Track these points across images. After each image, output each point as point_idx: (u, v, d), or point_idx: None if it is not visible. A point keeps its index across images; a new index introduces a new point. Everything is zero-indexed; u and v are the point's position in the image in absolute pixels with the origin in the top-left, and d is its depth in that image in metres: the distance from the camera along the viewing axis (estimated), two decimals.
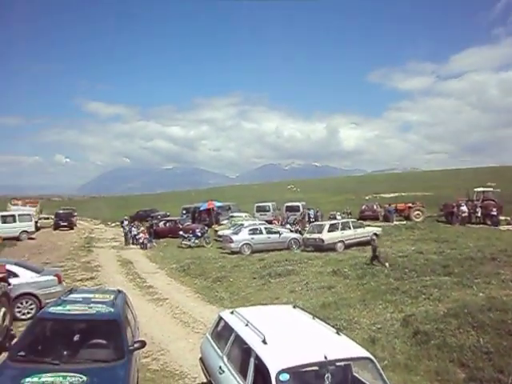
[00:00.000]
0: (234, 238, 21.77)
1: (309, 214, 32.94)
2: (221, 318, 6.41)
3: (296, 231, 25.72)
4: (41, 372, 4.95)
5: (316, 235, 21.00)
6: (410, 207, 32.77)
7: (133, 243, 27.97)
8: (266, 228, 22.94)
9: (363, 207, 36.02)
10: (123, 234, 29.82)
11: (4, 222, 29.02)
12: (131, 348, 5.74)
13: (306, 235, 22.16)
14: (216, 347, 6.00)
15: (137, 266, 19.78)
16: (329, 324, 5.62)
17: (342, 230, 21.02)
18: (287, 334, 5.23)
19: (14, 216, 30.46)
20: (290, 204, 36.74)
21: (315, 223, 25.11)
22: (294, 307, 6.41)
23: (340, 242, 20.50)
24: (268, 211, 35.77)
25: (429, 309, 9.72)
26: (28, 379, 4.82)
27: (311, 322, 5.63)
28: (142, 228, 29.95)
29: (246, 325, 5.44)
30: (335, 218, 28.76)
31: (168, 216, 39.05)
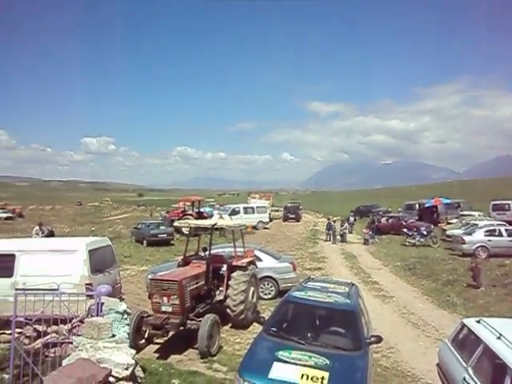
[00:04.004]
0: (467, 238, 19.68)
1: None
2: (464, 326, 5.95)
3: None
4: (290, 348, 5.58)
5: None
6: None
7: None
8: (507, 230, 19.94)
9: None
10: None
11: (245, 213, 33.99)
12: (368, 341, 5.89)
13: None
14: (459, 357, 5.61)
15: (360, 261, 20.08)
16: None
17: None
18: None
19: (252, 208, 35.43)
20: None
21: None
22: None
23: None
24: (508, 210, 30.92)
25: None
26: (281, 352, 5.50)
27: None
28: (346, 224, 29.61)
29: (499, 338, 4.90)
30: None
31: (389, 212, 38.18)
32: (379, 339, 5.98)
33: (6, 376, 5.24)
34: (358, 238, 29.30)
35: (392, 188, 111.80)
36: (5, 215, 47.14)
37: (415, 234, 24.60)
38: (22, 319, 5.37)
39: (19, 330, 5.55)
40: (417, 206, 35.60)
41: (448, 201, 33.40)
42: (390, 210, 41.04)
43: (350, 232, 31.97)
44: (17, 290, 5.96)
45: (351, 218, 33.32)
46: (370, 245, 25.90)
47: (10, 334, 5.45)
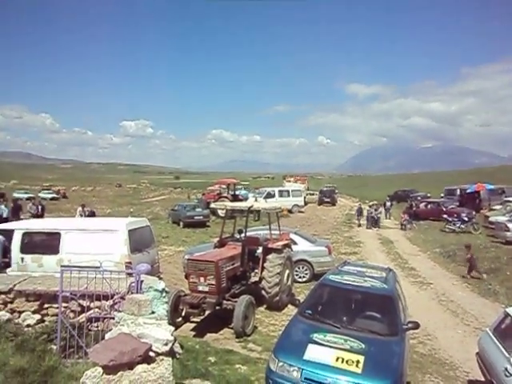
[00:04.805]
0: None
1: None
2: (507, 315, 5.76)
3: None
4: (325, 331, 5.59)
5: None
6: None
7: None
8: None
9: None
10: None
11: (280, 196, 33.97)
12: (405, 327, 5.81)
13: None
14: (501, 346, 5.45)
15: (397, 246, 19.72)
16: None
17: None
18: None
19: (288, 191, 35.40)
20: None
21: None
22: None
23: None
24: None
25: None
26: (315, 335, 5.52)
27: None
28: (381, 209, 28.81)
29: None
30: None
31: (429, 197, 37.12)
32: (416, 325, 5.88)
33: (54, 347, 5.53)
34: (395, 224, 28.77)
35: (431, 173, 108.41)
36: (50, 196, 49.35)
37: (455, 220, 23.83)
38: (67, 294, 5.63)
39: (65, 305, 5.82)
40: (458, 191, 34.37)
41: (492, 186, 32.03)
42: (429, 195, 39.86)
43: (387, 217, 31.37)
44: (62, 266, 6.23)
45: (388, 203, 32.62)
46: (408, 230, 25.37)
47: (57, 307, 5.74)
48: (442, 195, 37.01)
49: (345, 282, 6.55)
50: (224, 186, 33.81)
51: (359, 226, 27.17)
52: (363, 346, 5.25)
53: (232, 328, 8.23)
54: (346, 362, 4.99)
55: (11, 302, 6.15)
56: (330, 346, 5.26)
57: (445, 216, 25.03)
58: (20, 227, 9.61)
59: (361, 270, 7.29)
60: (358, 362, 4.97)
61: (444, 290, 12.20)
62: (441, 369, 7.29)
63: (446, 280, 13.48)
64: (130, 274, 6.13)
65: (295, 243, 12.23)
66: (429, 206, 30.16)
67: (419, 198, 36.85)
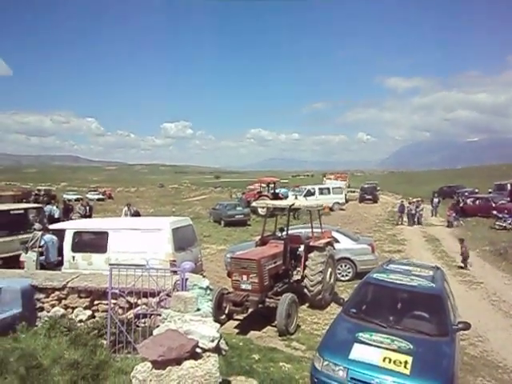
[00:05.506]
0: None
1: None
2: None
3: None
4: (371, 330, 5.49)
5: None
6: None
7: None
8: None
9: None
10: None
11: (321, 194, 33.70)
12: (455, 327, 5.61)
13: None
14: None
15: (444, 244, 19.03)
16: None
17: None
18: None
19: (328, 188, 35.05)
20: None
21: None
22: None
23: None
24: None
25: None
26: (361, 334, 5.43)
27: None
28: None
29: None
30: None
31: (476, 193, 35.58)
32: (467, 326, 5.67)
33: (104, 342, 5.75)
34: (440, 221, 27.79)
35: (478, 167, 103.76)
36: (97, 197, 51.36)
37: (506, 216, 22.72)
38: (116, 291, 5.82)
39: (114, 301, 6.02)
40: (508, 186, 32.72)
41: None
42: (476, 190, 38.20)
43: (434, 215, 30.34)
44: (110, 264, 6.46)
45: (435, 200, 31.46)
46: (455, 227, 24.42)
47: (107, 304, 5.95)
48: (491, 190, 35.37)
49: (390, 280, 6.40)
50: (264, 185, 33.89)
51: (401, 223, 26.42)
52: (411, 346, 5.11)
53: (275, 326, 8.24)
54: (394, 362, 4.88)
55: (65, 298, 6.43)
56: (377, 346, 5.16)
57: (494, 212, 23.95)
58: (71, 227, 10.05)
59: (407, 268, 7.10)
60: (406, 362, 4.85)
61: (495, 289, 11.67)
62: (494, 372, 6.97)
63: (497, 279, 12.88)
64: (174, 272, 6.26)
65: (337, 241, 12.07)
66: (477, 202, 28.90)
67: (466, 193, 35.40)
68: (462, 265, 14.34)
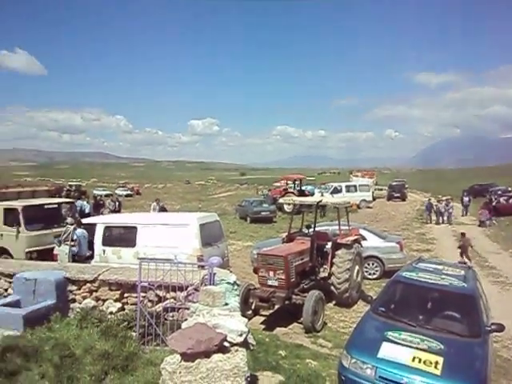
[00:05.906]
0: None
1: None
2: None
3: None
4: (400, 329, 5.40)
5: None
6: None
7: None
8: None
9: None
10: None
11: (347, 191, 33.35)
12: (488, 329, 5.45)
13: None
14: None
15: (475, 244, 18.45)
16: None
17: None
18: None
19: (355, 186, 34.63)
20: None
21: None
22: None
23: None
24: None
25: None
26: (390, 332, 5.35)
27: None
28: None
29: None
30: None
31: (510, 191, 34.42)
32: (501, 327, 5.49)
33: (134, 334, 5.87)
34: (471, 220, 27.01)
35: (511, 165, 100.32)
36: (125, 193, 52.46)
37: None
38: (145, 284, 5.93)
39: (143, 294, 6.13)
40: None
41: None
42: (510, 189, 36.94)
43: (465, 214, 29.54)
44: (139, 259, 6.57)
45: (465, 198, 30.60)
46: (487, 227, 23.70)
47: (136, 297, 6.07)
48: None
49: (420, 279, 6.28)
50: (290, 182, 33.76)
51: (430, 222, 25.83)
52: (442, 346, 5.00)
53: (301, 323, 8.22)
54: (424, 362, 4.79)
55: (96, 291, 6.60)
56: (406, 345, 5.07)
57: None
58: (101, 222, 10.29)
59: (437, 267, 6.95)
60: (436, 363, 4.75)
61: None
62: None
63: None
64: (202, 267, 6.32)
65: (365, 239, 11.89)
66: (510, 201, 27.98)
67: (499, 192, 34.28)
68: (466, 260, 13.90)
